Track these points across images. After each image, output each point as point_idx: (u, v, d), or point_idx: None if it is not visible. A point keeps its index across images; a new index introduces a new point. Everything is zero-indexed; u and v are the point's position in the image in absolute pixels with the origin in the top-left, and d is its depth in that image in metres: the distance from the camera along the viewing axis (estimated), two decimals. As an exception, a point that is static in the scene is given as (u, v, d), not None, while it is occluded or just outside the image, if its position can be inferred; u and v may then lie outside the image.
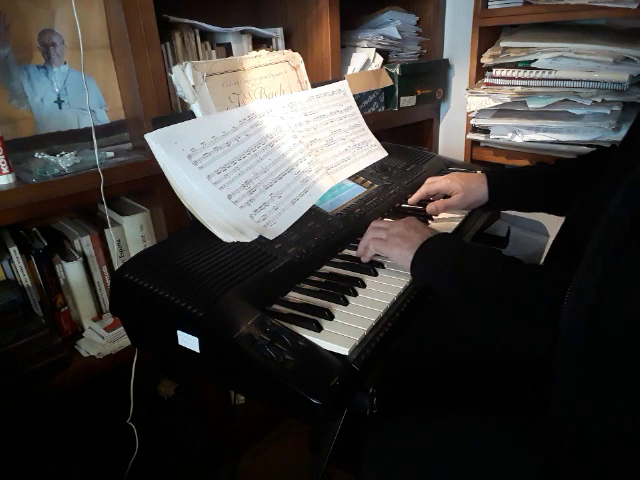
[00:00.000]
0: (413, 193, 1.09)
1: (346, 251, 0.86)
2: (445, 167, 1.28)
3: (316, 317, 0.65)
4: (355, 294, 0.72)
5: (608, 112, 1.20)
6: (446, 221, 1.00)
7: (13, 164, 0.84)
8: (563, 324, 0.55)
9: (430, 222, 0.99)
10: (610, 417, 0.55)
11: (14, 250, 0.92)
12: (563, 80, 1.23)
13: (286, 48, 1.30)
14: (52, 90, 0.94)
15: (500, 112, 1.38)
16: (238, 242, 0.79)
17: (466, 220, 1.01)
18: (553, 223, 1.52)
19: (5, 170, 0.82)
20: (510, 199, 1.01)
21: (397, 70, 1.43)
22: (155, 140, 0.79)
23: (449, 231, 0.94)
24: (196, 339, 0.64)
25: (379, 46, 1.46)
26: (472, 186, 0.98)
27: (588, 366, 0.54)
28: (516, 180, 0.99)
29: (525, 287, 0.62)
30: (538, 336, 0.61)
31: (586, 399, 0.56)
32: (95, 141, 0.90)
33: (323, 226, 0.89)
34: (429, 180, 1.05)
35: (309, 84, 1.16)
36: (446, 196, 1.02)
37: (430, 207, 0.98)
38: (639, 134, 0.75)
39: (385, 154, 1.24)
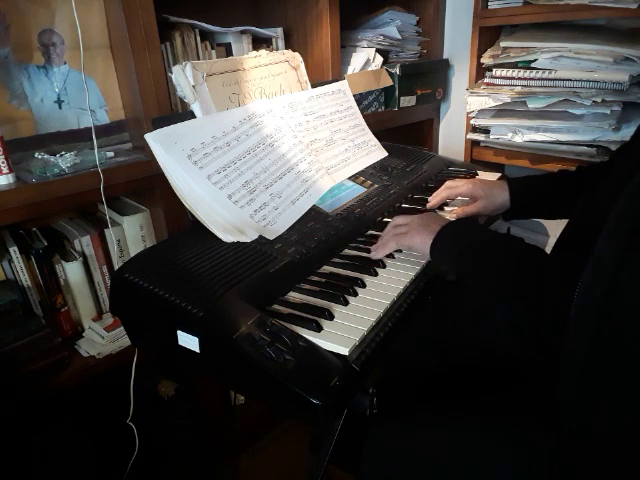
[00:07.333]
0: (413, 193, 1.09)
1: (346, 251, 0.86)
2: (445, 167, 1.28)
3: (316, 317, 0.65)
4: (355, 294, 0.72)
5: (608, 112, 1.20)
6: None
7: (13, 164, 0.84)
8: (572, 319, 0.55)
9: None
10: (614, 413, 0.55)
11: (14, 250, 0.92)
12: (563, 80, 1.23)
13: (286, 48, 1.29)
14: (52, 90, 0.94)
15: (500, 112, 1.38)
16: (238, 242, 0.79)
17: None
18: (553, 223, 1.51)
19: (5, 170, 0.82)
20: (533, 206, 0.97)
21: (397, 70, 1.43)
22: (155, 140, 0.79)
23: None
24: (196, 339, 0.64)
25: (379, 46, 1.46)
26: (494, 193, 0.95)
27: (595, 361, 0.55)
28: (538, 187, 0.96)
29: (539, 281, 0.63)
30: (548, 330, 0.61)
31: (591, 395, 0.56)
32: (95, 141, 0.90)
33: (323, 226, 0.89)
34: (450, 184, 1.00)
35: (309, 84, 1.16)
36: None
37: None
38: None
39: (385, 154, 1.24)
